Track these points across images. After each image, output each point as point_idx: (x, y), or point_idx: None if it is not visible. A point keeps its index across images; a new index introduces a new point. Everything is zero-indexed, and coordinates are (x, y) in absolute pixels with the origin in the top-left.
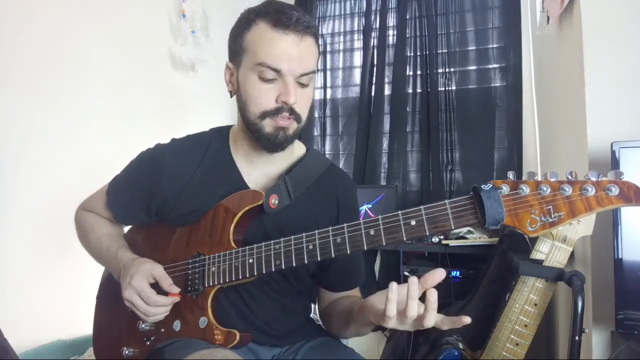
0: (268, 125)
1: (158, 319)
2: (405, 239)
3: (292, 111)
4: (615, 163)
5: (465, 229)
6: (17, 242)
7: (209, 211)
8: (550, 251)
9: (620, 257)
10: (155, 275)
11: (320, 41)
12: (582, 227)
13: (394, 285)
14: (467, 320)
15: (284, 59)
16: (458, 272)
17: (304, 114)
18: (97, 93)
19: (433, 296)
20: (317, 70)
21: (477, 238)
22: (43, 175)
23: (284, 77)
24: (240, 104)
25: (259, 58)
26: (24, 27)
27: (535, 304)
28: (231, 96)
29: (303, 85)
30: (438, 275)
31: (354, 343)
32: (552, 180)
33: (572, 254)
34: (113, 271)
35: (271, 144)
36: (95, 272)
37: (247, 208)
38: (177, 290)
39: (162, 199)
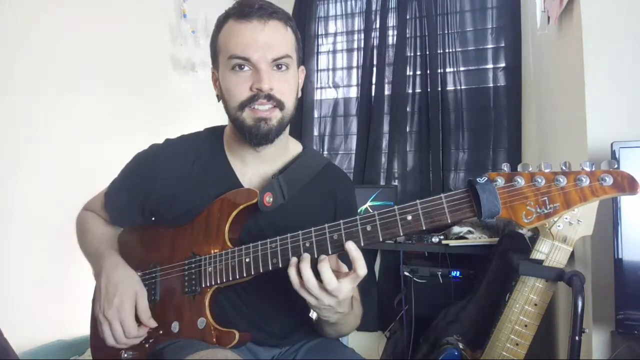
0: (248, 117)
1: (128, 345)
2: (402, 234)
3: (270, 97)
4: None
5: (465, 229)
6: (17, 243)
7: (204, 211)
8: (550, 251)
9: (620, 257)
10: (139, 306)
11: (315, 25)
12: (582, 227)
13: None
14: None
15: (251, 46)
16: (458, 272)
17: (287, 100)
18: (98, 93)
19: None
20: (318, 70)
21: (477, 238)
22: (43, 175)
23: (255, 65)
24: (224, 103)
25: (229, 51)
26: (25, 29)
27: (535, 304)
28: (218, 100)
29: (280, 69)
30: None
31: (354, 343)
32: (547, 171)
33: (572, 254)
34: (96, 271)
35: (254, 136)
36: None
37: (242, 206)
38: (154, 324)
39: (157, 200)
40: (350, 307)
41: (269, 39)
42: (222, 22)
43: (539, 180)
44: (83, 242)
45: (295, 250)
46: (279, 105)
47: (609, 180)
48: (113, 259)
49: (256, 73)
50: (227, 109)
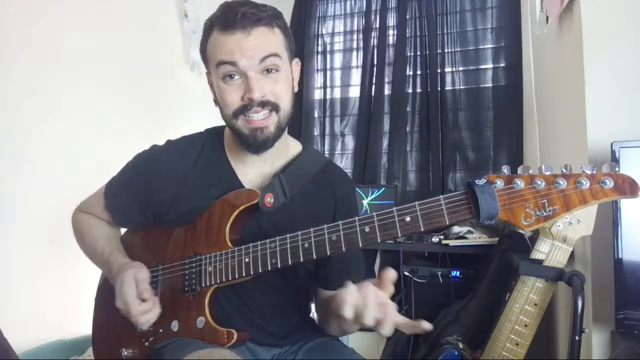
0: (244, 126)
1: (149, 323)
2: (400, 235)
3: (265, 103)
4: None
5: (465, 229)
6: (17, 242)
7: (205, 211)
8: (550, 251)
9: (620, 257)
10: (136, 278)
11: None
12: (582, 227)
13: (352, 288)
14: (427, 326)
15: (236, 52)
16: (458, 272)
17: (282, 101)
18: (98, 93)
19: (390, 308)
20: (318, 69)
21: (477, 238)
22: (43, 175)
23: (244, 73)
24: (219, 108)
25: (216, 59)
26: (26, 28)
27: (535, 304)
28: (215, 104)
29: (271, 72)
30: (390, 275)
31: (354, 343)
32: (547, 173)
33: (572, 254)
34: (107, 275)
35: (252, 145)
36: (95, 272)
37: (242, 207)
38: (148, 295)
39: (159, 201)
40: None
41: (255, 45)
42: (208, 30)
43: (539, 182)
44: (84, 244)
45: (294, 250)
46: (275, 108)
47: (610, 183)
48: (118, 261)
49: (246, 82)
50: (223, 116)
